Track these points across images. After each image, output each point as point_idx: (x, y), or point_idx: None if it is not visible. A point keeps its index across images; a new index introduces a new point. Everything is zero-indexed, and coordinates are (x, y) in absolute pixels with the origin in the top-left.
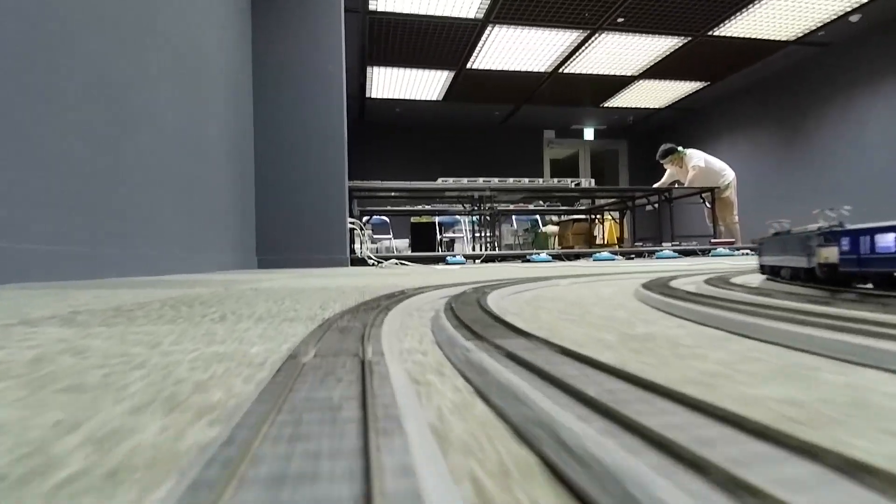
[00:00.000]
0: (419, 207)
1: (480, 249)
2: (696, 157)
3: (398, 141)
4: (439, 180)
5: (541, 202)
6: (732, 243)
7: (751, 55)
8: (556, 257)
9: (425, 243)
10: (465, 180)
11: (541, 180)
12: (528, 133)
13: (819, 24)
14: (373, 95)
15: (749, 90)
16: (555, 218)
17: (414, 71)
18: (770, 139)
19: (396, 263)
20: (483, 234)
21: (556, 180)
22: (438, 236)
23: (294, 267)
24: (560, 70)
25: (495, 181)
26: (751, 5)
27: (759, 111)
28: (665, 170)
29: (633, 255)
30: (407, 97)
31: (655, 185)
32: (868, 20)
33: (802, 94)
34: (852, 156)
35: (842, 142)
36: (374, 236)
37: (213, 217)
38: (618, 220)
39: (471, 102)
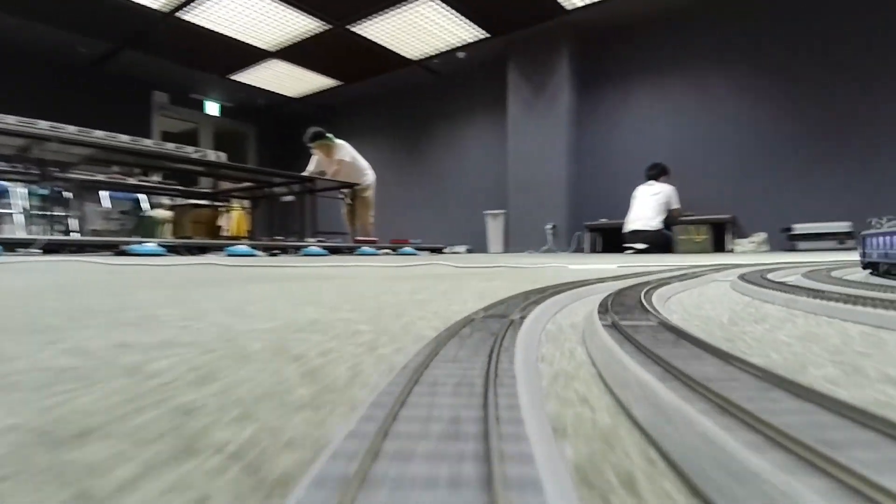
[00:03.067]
0: None
1: (44, 233)
2: (345, 151)
3: None
4: None
5: (146, 177)
6: (375, 242)
7: (382, 64)
8: (173, 249)
9: None
10: (10, 118)
11: (150, 142)
12: (132, 89)
13: (435, 52)
14: None
15: (379, 100)
16: (166, 201)
17: None
18: (393, 151)
19: None
20: (55, 214)
21: (173, 146)
22: None
23: None
24: (179, 14)
25: (71, 129)
26: (387, 10)
27: (385, 123)
28: (311, 155)
29: (277, 251)
30: None
31: (303, 173)
32: (471, 59)
33: (420, 114)
34: (457, 174)
35: (449, 161)
36: None
37: None
38: (249, 210)
39: (40, 22)
